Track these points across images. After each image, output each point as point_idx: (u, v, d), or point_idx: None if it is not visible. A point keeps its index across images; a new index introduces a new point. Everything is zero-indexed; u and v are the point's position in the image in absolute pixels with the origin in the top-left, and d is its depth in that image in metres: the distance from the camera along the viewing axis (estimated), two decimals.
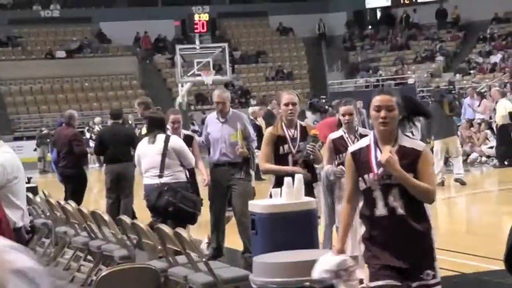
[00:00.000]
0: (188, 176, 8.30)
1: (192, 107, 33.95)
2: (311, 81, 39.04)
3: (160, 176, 7.99)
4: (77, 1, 41.74)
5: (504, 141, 17.68)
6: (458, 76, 34.04)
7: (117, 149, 10.66)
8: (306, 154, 6.67)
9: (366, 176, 4.24)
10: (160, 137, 8.08)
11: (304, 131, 6.84)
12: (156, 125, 8.22)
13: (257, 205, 6.24)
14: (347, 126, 6.75)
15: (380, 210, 4.21)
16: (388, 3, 41.35)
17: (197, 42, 28.59)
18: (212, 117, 8.90)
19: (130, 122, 13.57)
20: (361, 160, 4.28)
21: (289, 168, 6.62)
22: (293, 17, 40.90)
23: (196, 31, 28.58)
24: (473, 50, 36.74)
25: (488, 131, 18.86)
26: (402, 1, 40.68)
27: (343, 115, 6.75)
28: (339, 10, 41.69)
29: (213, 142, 8.67)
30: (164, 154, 7.97)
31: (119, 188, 10.74)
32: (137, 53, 39.47)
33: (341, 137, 6.72)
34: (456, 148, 14.90)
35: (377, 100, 4.24)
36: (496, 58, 34.30)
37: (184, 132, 9.11)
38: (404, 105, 4.28)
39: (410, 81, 34.80)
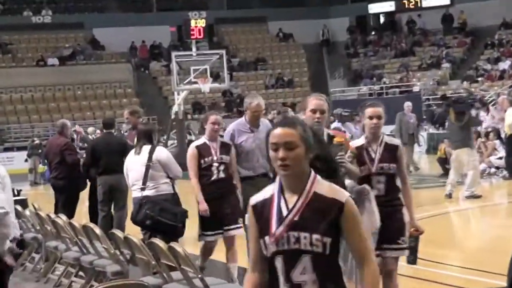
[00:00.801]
0: (174, 187, 8.26)
1: (189, 116, 33.95)
2: (312, 89, 38.98)
3: (143, 189, 8.08)
4: (69, 7, 41.84)
5: None
6: (465, 83, 34.03)
7: (110, 159, 10.60)
8: None
9: (266, 238, 3.29)
10: (146, 148, 8.14)
11: (332, 141, 6.00)
12: (144, 136, 8.30)
13: None
14: (373, 132, 6.03)
15: (282, 285, 3.27)
16: (392, 8, 41.42)
17: (194, 48, 28.58)
18: (240, 127, 8.39)
19: (122, 132, 13.50)
20: (263, 216, 3.32)
21: None
22: (293, 23, 40.96)
23: (192, 37, 28.57)
24: (480, 56, 36.78)
25: (497, 141, 18.82)
26: (406, 6, 40.74)
27: (371, 117, 6.04)
28: (341, 15, 41.76)
29: (247, 153, 8.28)
30: (148, 166, 8.04)
31: (112, 201, 10.71)
32: (132, 62, 39.49)
33: (362, 146, 6.05)
34: (467, 161, 14.77)
35: (273, 135, 3.30)
36: (504, 65, 34.34)
37: (222, 140, 8.30)
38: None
39: (415, 89, 34.82)
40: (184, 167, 8.34)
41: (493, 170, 18.65)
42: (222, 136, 8.39)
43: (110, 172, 10.59)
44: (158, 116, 33.70)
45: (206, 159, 7.99)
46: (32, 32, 39.40)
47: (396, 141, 6.19)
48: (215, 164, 8.01)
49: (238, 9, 42.01)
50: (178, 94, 27.76)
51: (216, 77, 29.57)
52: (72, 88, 37.51)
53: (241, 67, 40.20)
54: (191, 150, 8.07)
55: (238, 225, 8.16)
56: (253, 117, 8.26)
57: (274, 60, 41.09)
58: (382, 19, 43.18)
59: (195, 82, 27.03)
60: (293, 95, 38.66)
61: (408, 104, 21.35)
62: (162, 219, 7.95)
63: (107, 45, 39.71)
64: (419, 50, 39.29)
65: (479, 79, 34.13)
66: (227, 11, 42.40)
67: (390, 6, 41.44)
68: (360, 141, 6.09)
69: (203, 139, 8.16)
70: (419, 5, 40.33)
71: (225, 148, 8.12)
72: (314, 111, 5.94)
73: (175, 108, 27.68)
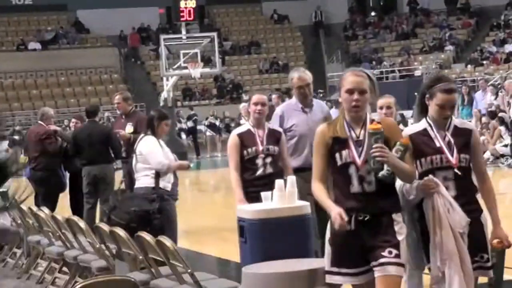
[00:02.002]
0: (158, 181, 7.91)
1: (179, 103, 33.96)
2: None
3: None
4: None
5: None
6: (469, 67, 34.09)
7: (93, 149, 10.75)
8: (374, 166, 4.59)
9: None
10: (139, 138, 8.15)
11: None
12: (146, 125, 8.28)
13: (246, 211, 6.24)
14: (444, 119, 4.87)
15: None
16: None
17: (184, 31, 28.57)
18: (290, 107, 7.70)
19: (110, 119, 13.49)
20: None
21: (329, 205, 4.66)
22: (288, 4, 40.92)
23: (182, 19, 28.55)
24: (486, 38, 36.81)
25: (502, 128, 18.88)
26: None
27: (443, 106, 4.82)
28: None
29: (298, 139, 7.57)
30: (133, 157, 8.05)
31: (98, 192, 10.80)
32: (122, 52, 39.39)
33: (423, 133, 4.90)
34: None
35: None
36: (511, 47, 34.38)
37: (270, 126, 7.34)
38: None
39: (417, 73, 34.85)
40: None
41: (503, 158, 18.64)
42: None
43: (93, 162, 10.75)
44: (146, 103, 33.65)
45: (249, 149, 7.08)
46: (12, 14, 39.28)
47: (470, 125, 5.08)
48: (261, 156, 7.07)
49: None
50: (167, 79, 27.78)
51: (207, 61, 29.56)
52: (55, 73, 37.43)
53: (234, 50, 40.16)
54: (232, 139, 7.18)
55: None
56: (299, 94, 7.56)
57: (268, 43, 41.06)
58: None
59: (185, 67, 27.06)
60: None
61: None
62: (114, 218, 7.83)
63: (92, 28, 39.63)
64: (421, 32, 39.31)
65: (484, 62, 34.17)
66: None
67: None
68: (421, 125, 4.91)
69: (247, 125, 7.25)
70: None
71: (273, 136, 7.19)
72: (351, 91, 4.70)
73: (164, 95, 27.70)
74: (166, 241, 6.34)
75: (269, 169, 7.05)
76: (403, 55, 37.24)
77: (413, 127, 4.99)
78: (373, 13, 42.55)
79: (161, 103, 27.64)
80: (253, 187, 6.90)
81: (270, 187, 6.48)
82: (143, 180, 7.95)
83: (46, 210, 9.41)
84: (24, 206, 9.96)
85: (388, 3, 42.26)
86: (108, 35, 39.36)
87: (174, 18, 30.70)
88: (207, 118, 30.92)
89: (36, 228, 9.52)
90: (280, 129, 7.33)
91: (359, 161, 4.68)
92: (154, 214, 7.71)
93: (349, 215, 4.60)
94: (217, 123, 30.69)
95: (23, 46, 37.91)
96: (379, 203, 4.65)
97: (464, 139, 4.86)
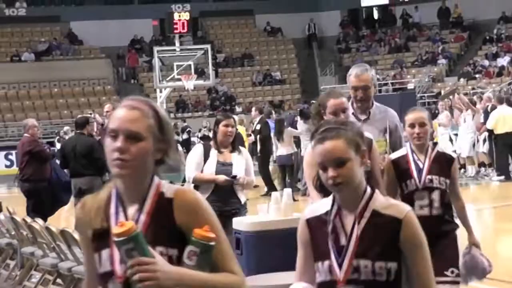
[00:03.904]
0: None
1: (172, 115, 33.96)
2: (302, 86, 39.12)
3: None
4: None
5: (504, 153, 17.60)
6: (462, 80, 34.18)
7: (78, 162, 10.84)
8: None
9: None
10: None
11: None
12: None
13: (242, 223, 6.26)
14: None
15: None
16: (386, 1, 41.53)
17: (177, 43, 28.64)
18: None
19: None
20: None
21: None
22: (281, 16, 40.98)
23: (176, 31, 28.63)
24: (478, 52, 36.94)
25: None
26: None
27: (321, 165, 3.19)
28: (332, 8, 41.84)
29: None
30: None
31: None
32: (120, 71, 39.37)
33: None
34: None
35: None
36: (503, 61, 34.50)
37: (438, 148, 5.56)
38: None
39: (410, 86, 34.93)
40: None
41: (485, 171, 18.54)
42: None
43: (78, 175, 10.85)
44: None
45: (405, 182, 5.35)
46: (6, 25, 39.21)
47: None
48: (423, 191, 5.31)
49: (224, 2, 42.03)
50: (161, 91, 27.80)
51: (200, 73, 29.60)
52: (48, 85, 37.40)
53: (227, 63, 40.20)
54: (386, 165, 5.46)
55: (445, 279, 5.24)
56: (353, 97, 5.84)
57: (261, 55, 41.10)
58: (375, 13, 43.28)
59: (179, 79, 27.09)
60: (282, 93, 38.70)
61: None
62: None
63: (85, 40, 39.63)
64: (414, 45, 39.41)
65: (477, 76, 34.29)
66: (212, 4, 42.42)
67: None
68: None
69: (405, 149, 5.52)
70: None
71: (441, 163, 5.38)
72: (114, 133, 2.88)
73: None
74: None
75: (436, 210, 5.27)
76: (396, 68, 37.32)
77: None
78: (366, 27, 42.65)
79: None
80: None
81: (432, 230, 4.46)
82: None
83: (40, 221, 9.40)
84: (18, 218, 9.96)
85: (381, 16, 42.38)
86: (102, 46, 39.37)
87: (168, 30, 30.73)
88: (200, 130, 30.90)
89: (30, 240, 9.51)
90: (453, 154, 5.74)
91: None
92: None
93: None
94: (210, 135, 30.68)
95: (17, 57, 37.88)
96: None
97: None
